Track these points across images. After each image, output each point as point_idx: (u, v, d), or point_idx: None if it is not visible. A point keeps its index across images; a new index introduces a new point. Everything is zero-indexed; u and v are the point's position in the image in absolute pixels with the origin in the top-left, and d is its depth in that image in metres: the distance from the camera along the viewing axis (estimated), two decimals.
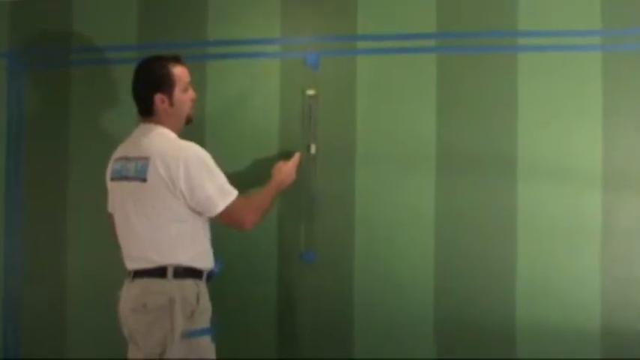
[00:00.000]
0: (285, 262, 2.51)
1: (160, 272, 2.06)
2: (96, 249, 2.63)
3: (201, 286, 2.12)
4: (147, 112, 2.17)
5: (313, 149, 2.47)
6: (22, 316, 2.73)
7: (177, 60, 2.19)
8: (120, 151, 2.21)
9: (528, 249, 2.36)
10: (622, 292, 2.32)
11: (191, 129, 2.29)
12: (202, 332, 2.07)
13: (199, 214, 2.11)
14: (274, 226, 2.51)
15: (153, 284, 2.06)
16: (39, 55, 2.72)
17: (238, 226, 2.16)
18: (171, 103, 2.16)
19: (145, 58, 2.20)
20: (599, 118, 2.34)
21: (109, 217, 2.28)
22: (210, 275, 2.18)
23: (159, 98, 2.14)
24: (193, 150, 2.08)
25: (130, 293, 2.10)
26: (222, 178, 2.10)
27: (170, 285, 2.05)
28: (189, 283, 2.08)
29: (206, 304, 2.12)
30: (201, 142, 2.21)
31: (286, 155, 2.46)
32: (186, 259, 2.08)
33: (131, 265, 2.13)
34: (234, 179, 2.15)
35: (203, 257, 2.15)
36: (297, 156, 2.42)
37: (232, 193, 2.11)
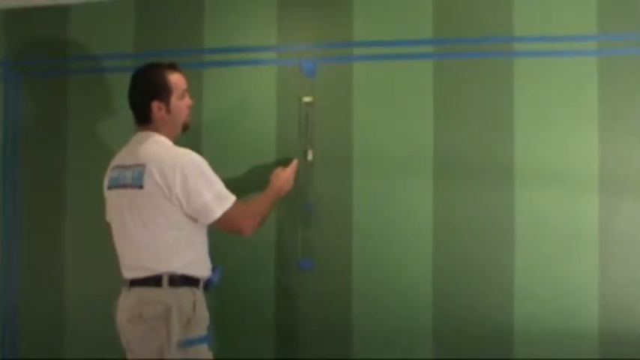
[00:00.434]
0: (282, 269, 2.50)
1: (155, 281, 2.06)
2: (93, 255, 2.62)
3: (198, 294, 2.11)
4: (144, 120, 2.17)
5: (310, 156, 2.47)
6: (21, 319, 2.72)
7: (173, 67, 2.20)
8: (117, 160, 2.21)
9: (526, 253, 2.36)
10: (620, 296, 2.31)
11: (188, 136, 2.29)
12: (199, 341, 2.06)
13: (196, 221, 2.11)
14: (272, 233, 2.50)
15: (148, 293, 2.06)
16: (36, 63, 2.73)
17: (236, 232, 2.15)
18: (168, 111, 2.16)
19: (142, 65, 2.21)
20: (596, 122, 2.34)
21: (108, 227, 2.28)
22: (208, 284, 2.17)
23: (156, 106, 2.14)
24: (190, 157, 2.08)
25: (126, 303, 2.09)
26: (219, 185, 2.10)
27: (166, 293, 2.04)
28: (185, 291, 2.07)
29: (203, 312, 2.11)
30: (198, 150, 2.21)
31: (283, 162, 2.46)
32: (181, 267, 2.07)
33: (127, 274, 2.12)
34: (231, 186, 2.15)
35: (199, 265, 2.14)
36: (294, 163, 2.42)
37: (230, 199, 2.11)
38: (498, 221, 2.38)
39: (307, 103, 2.48)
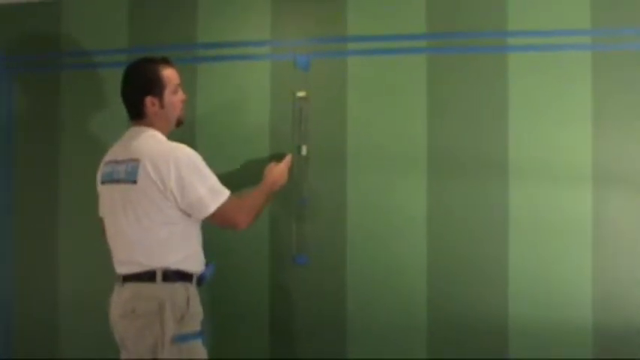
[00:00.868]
0: (277, 265, 2.50)
1: (148, 276, 2.05)
2: (88, 252, 2.61)
3: (191, 289, 2.10)
4: (137, 116, 2.16)
5: (304, 151, 2.47)
6: (14, 318, 2.72)
7: (166, 62, 2.19)
8: (110, 155, 2.20)
9: (520, 249, 2.36)
10: (613, 291, 2.32)
11: (182, 131, 2.29)
12: (193, 336, 2.06)
13: (190, 216, 2.10)
14: (266, 228, 2.50)
15: (142, 288, 2.05)
16: (28, 59, 2.71)
17: (231, 226, 2.15)
18: (162, 106, 2.16)
19: (134, 60, 2.20)
20: (589, 117, 2.34)
21: (101, 222, 2.28)
22: (201, 279, 2.16)
23: (149, 101, 2.14)
24: (184, 151, 2.08)
25: (119, 298, 2.09)
26: (213, 179, 2.09)
27: (159, 289, 2.04)
28: (178, 286, 2.07)
29: (196, 307, 2.11)
30: (191, 144, 2.20)
31: (277, 157, 2.45)
32: (175, 262, 2.07)
33: (120, 269, 2.12)
34: (224, 181, 2.14)
35: (193, 260, 2.14)
36: (288, 157, 2.42)
37: (224, 193, 2.10)
38: (492, 216, 2.38)
39: (301, 98, 2.48)
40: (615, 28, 2.35)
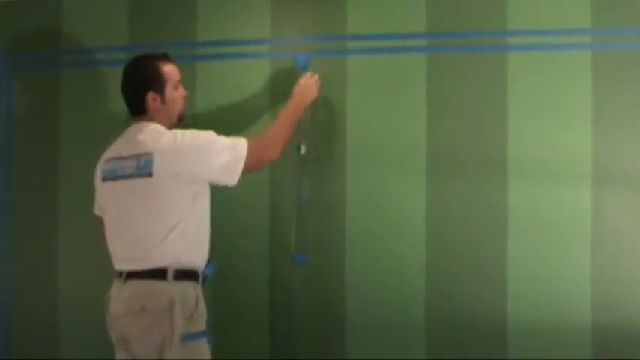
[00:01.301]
0: (276, 263, 2.50)
1: (159, 273, 2.03)
2: (88, 251, 2.59)
3: (198, 288, 2.10)
4: (139, 112, 2.16)
5: (303, 150, 2.46)
6: (14, 318, 2.71)
7: (166, 58, 2.19)
8: (112, 152, 2.19)
9: (519, 248, 2.36)
10: (613, 290, 2.32)
11: (181, 128, 2.28)
12: (200, 335, 2.05)
13: (202, 206, 2.10)
14: (266, 227, 2.50)
15: (152, 286, 2.03)
16: (28, 57, 2.71)
17: (265, 164, 2.19)
18: (164, 101, 2.16)
19: (134, 57, 2.20)
20: (589, 117, 2.34)
21: (100, 221, 2.27)
22: (205, 278, 2.16)
23: (151, 97, 2.13)
24: (189, 134, 2.08)
25: (122, 295, 2.06)
26: (223, 140, 2.09)
27: (171, 287, 2.02)
28: (188, 285, 2.06)
29: (203, 306, 2.10)
30: None
31: None
32: (186, 260, 2.06)
33: (124, 265, 2.09)
34: None
35: (202, 259, 2.13)
36: (315, 75, 2.39)
37: (241, 145, 2.09)
38: (491, 215, 2.38)
39: None
40: (615, 28, 2.35)
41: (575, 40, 2.36)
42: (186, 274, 2.06)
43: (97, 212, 2.30)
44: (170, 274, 2.03)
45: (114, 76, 2.46)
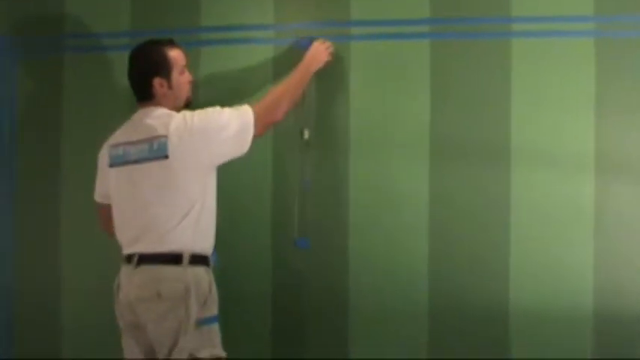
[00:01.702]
0: (279, 249, 2.50)
1: (174, 258, 2.03)
2: (91, 242, 2.59)
3: (211, 273, 2.11)
4: (145, 97, 2.17)
5: (307, 135, 2.46)
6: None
7: (172, 43, 2.20)
8: (119, 137, 2.19)
9: (522, 235, 2.36)
10: (615, 278, 2.32)
11: None
12: (213, 320, 2.07)
13: (213, 190, 2.12)
14: (268, 212, 2.50)
15: (166, 271, 2.03)
16: (31, 42, 2.70)
17: (272, 124, 2.25)
18: (170, 87, 2.16)
19: (140, 43, 2.20)
20: (592, 104, 2.34)
21: (101, 208, 2.27)
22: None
23: (157, 82, 2.14)
24: (197, 114, 2.10)
25: (134, 281, 2.05)
26: (226, 111, 2.11)
27: (186, 272, 2.02)
28: (201, 270, 2.07)
29: (215, 291, 2.12)
30: None
31: (280, 141, 2.47)
32: (199, 246, 2.07)
33: (135, 247, 2.07)
34: (225, 166, 2.15)
35: (211, 245, 2.14)
36: (329, 42, 2.41)
37: (247, 114, 2.12)
38: (494, 202, 2.38)
39: None
40: (619, 14, 2.35)
41: (578, 27, 2.36)
42: (199, 260, 2.07)
43: (97, 198, 2.30)
44: (186, 260, 2.03)
45: (117, 61, 2.47)
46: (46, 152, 2.68)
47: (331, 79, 2.47)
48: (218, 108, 2.13)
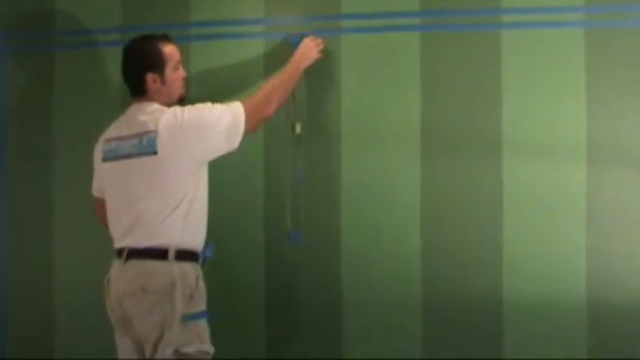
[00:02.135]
0: (272, 243, 2.50)
1: (160, 254, 2.03)
2: (84, 240, 2.60)
3: (198, 268, 2.11)
4: (138, 92, 2.16)
5: (298, 129, 2.46)
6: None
7: (166, 38, 2.19)
8: (112, 132, 2.19)
9: (515, 225, 2.37)
10: (607, 267, 2.33)
11: None
12: (200, 315, 2.06)
13: (204, 186, 2.11)
14: (261, 206, 2.50)
15: (153, 266, 2.03)
16: (22, 37, 2.70)
17: (261, 123, 2.24)
18: (164, 82, 2.16)
19: (134, 38, 2.19)
20: (583, 94, 2.35)
21: (97, 203, 2.27)
22: (204, 260, 2.16)
23: (150, 78, 2.13)
24: (187, 110, 2.09)
25: (123, 276, 2.06)
26: (220, 108, 2.10)
27: (172, 267, 2.02)
28: (188, 265, 2.06)
29: (203, 287, 2.11)
30: None
31: (271, 135, 2.47)
32: (188, 241, 2.07)
33: (124, 241, 2.08)
34: (217, 160, 2.15)
35: (201, 240, 2.14)
36: (319, 39, 2.41)
37: (238, 109, 2.11)
38: (486, 193, 2.39)
39: None
40: (608, 5, 2.35)
41: (568, 17, 2.36)
42: (186, 255, 2.06)
43: (94, 192, 2.31)
44: (171, 255, 2.03)
45: (108, 57, 2.46)
46: (38, 149, 2.67)
47: (322, 72, 2.47)
48: (209, 104, 2.12)
